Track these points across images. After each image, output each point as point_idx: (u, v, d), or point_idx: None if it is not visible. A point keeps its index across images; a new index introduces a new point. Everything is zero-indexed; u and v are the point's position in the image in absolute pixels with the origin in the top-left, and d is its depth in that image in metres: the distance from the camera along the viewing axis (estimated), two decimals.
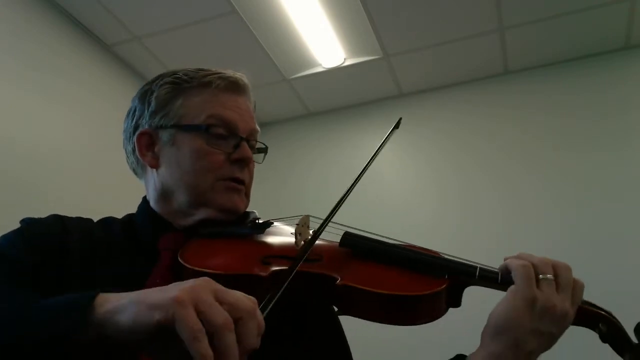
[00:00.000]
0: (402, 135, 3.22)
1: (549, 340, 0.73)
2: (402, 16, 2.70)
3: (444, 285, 0.75)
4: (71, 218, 0.91)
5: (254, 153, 0.98)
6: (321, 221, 0.80)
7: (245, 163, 0.93)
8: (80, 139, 2.57)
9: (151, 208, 0.95)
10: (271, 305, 0.60)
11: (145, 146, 0.95)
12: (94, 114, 2.65)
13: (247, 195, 0.96)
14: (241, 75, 0.98)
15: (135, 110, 0.98)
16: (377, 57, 3.00)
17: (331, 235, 0.86)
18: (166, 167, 0.93)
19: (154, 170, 0.95)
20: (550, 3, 2.62)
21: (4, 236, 0.84)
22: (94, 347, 0.55)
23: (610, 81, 2.87)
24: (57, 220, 0.89)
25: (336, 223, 0.85)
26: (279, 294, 0.61)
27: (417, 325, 0.75)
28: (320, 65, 3.09)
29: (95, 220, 0.96)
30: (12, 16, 2.38)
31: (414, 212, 2.97)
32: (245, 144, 0.94)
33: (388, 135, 1.01)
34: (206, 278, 0.56)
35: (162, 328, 0.52)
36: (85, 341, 0.54)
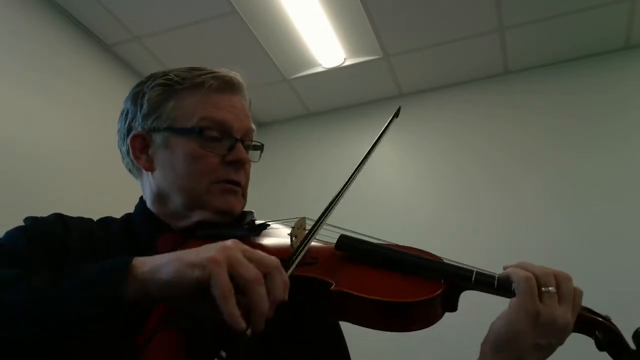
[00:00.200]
0: (402, 135, 3.24)
1: (548, 351, 0.72)
2: (402, 16, 2.70)
3: (440, 290, 0.74)
4: (72, 217, 0.92)
5: (251, 150, 0.98)
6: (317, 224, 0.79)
7: (240, 164, 0.92)
8: (80, 139, 2.57)
9: (148, 209, 0.95)
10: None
11: (139, 149, 0.94)
12: (94, 114, 2.65)
13: (244, 196, 0.96)
14: (235, 74, 0.97)
15: (127, 112, 0.97)
16: (377, 57, 3.00)
17: (330, 237, 0.85)
18: (161, 170, 0.93)
19: (149, 173, 0.94)
20: (550, 3, 2.62)
21: (7, 232, 0.84)
22: (135, 305, 0.60)
23: (610, 81, 2.87)
24: (58, 219, 0.89)
25: (332, 225, 0.84)
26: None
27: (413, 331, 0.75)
28: (320, 65, 3.09)
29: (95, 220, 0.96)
30: (12, 16, 2.38)
31: (414, 212, 2.97)
32: (239, 145, 0.93)
33: (388, 124, 0.98)
34: (235, 240, 0.62)
35: (201, 286, 0.57)
36: (129, 299, 0.59)
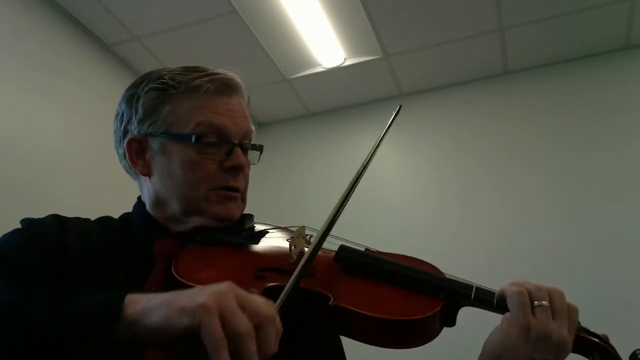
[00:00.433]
0: (402, 135, 3.24)
1: None
2: (402, 16, 2.70)
3: (439, 307, 0.73)
4: (70, 218, 0.91)
5: (250, 150, 0.96)
6: (316, 232, 0.77)
7: (239, 170, 0.91)
8: (80, 139, 2.57)
9: (147, 211, 0.95)
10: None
11: (135, 153, 0.93)
12: (94, 114, 2.64)
13: (243, 200, 0.95)
14: (232, 75, 0.95)
15: (123, 115, 0.95)
16: (377, 57, 3.00)
17: (330, 242, 0.84)
18: (158, 176, 0.92)
19: (147, 177, 0.93)
20: (550, 3, 2.62)
21: (4, 236, 0.84)
22: (124, 346, 0.58)
23: (610, 81, 2.87)
24: (56, 221, 0.88)
25: (333, 236, 0.83)
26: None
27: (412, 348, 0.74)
28: (320, 65, 3.09)
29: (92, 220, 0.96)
30: (12, 16, 2.38)
31: (414, 212, 2.97)
32: (238, 150, 0.91)
33: (391, 122, 0.95)
34: (229, 282, 0.59)
35: (189, 333, 0.55)
36: (117, 339, 0.57)
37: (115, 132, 0.98)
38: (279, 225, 0.98)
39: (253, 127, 0.96)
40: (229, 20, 2.71)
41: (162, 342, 0.57)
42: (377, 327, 0.72)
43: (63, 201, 2.31)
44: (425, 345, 0.74)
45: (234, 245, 0.87)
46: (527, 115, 2.99)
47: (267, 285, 0.73)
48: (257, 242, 0.88)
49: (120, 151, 0.97)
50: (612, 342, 0.77)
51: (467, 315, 0.80)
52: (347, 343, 0.94)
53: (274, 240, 0.91)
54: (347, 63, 3.06)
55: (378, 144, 0.90)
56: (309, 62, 3.07)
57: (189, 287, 0.73)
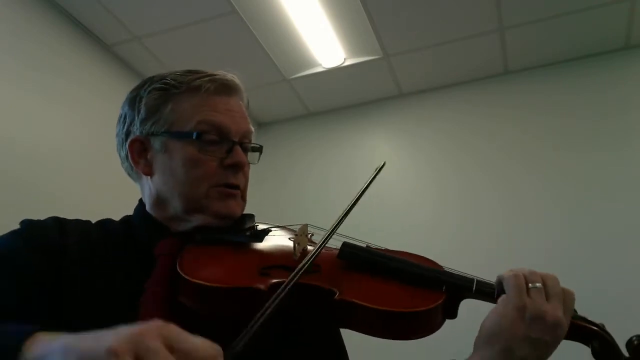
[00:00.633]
0: (402, 135, 3.24)
1: (542, 349, 0.72)
2: (402, 16, 2.70)
3: (441, 300, 0.76)
4: (70, 220, 0.91)
5: (249, 151, 0.97)
6: (319, 230, 0.80)
7: (239, 167, 0.92)
8: (80, 139, 2.57)
9: (147, 212, 0.95)
10: (262, 320, 0.59)
11: (137, 153, 0.94)
12: (94, 114, 2.65)
13: (244, 199, 0.95)
14: (232, 76, 0.97)
15: (125, 117, 0.97)
16: (377, 57, 3.00)
17: (333, 240, 0.85)
18: (160, 175, 0.92)
19: (148, 177, 0.94)
20: (550, 3, 2.62)
21: (2, 237, 0.84)
22: None
23: (610, 81, 2.87)
24: (55, 223, 0.88)
25: (337, 233, 0.84)
26: (272, 307, 0.61)
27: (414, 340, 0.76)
28: (320, 65, 3.09)
29: (93, 222, 0.95)
30: (12, 16, 2.38)
31: (414, 212, 2.97)
32: (238, 148, 0.93)
33: (373, 177, 0.98)
34: (161, 322, 0.48)
35: None
36: None
37: (117, 135, 0.99)
38: (280, 225, 0.98)
39: (252, 128, 0.98)
40: (229, 20, 2.71)
41: None
42: (381, 319, 0.74)
43: (63, 201, 2.31)
44: (428, 337, 0.76)
45: (236, 244, 0.88)
46: (527, 115, 2.99)
47: (272, 282, 0.74)
48: (260, 241, 0.89)
49: (123, 153, 0.97)
50: None
51: (468, 307, 0.82)
52: (349, 340, 0.95)
53: (277, 239, 0.92)
54: (347, 63, 3.06)
55: (360, 195, 0.93)
56: (309, 62, 3.07)
57: (194, 284, 0.73)
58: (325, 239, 0.79)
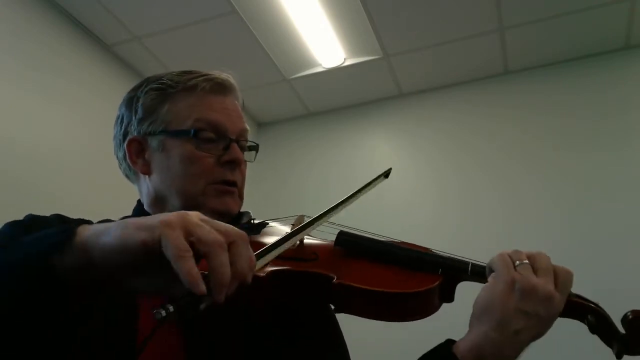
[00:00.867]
0: (402, 135, 3.24)
1: (537, 323, 0.73)
2: (402, 16, 2.70)
3: (438, 282, 0.77)
4: (72, 219, 0.91)
5: (246, 150, 0.99)
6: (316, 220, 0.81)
7: (236, 164, 0.93)
8: (80, 139, 2.58)
9: (145, 210, 0.96)
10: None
11: (135, 153, 0.95)
12: (94, 114, 2.65)
13: (241, 197, 0.96)
14: (227, 76, 0.98)
15: (122, 118, 0.98)
16: (377, 57, 3.00)
17: (330, 235, 0.87)
18: (157, 174, 0.93)
19: (146, 176, 0.95)
20: (550, 3, 2.62)
21: (4, 226, 0.84)
22: (82, 274, 0.53)
23: (610, 81, 2.87)
24: (59, 220, 0.89)
25: (332, 223, 0.86)
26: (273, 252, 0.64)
27: (412, 321, 0.77)
28: (320, 65, 3.09)
29: (94, 222, 0.96)
30: (12, 16, 2.39)
31: (414, 212, 2.97)
32: (235, 145, 0.94)
33: (375, 180, 1.02)
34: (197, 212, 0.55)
35: (149, 250, 0.50)
36: (71, 264, 0.52)
37: (115, 137, 1.00)
38: (278, 218, 1.00)
39: (248, 127, 0.99)
40: (229, 20, 2.71)
41: (118, 266, 0.51)
42: (379, 301, 0.75)
43: (63, 201, 2.31)
44: (427, 319, 0.77)
45: None
46: (527, 115, 2.99)
47: (270, 270, 0.75)
48: (257, 233, 0.90)
49: (120, 154, 0.98)
50: None
51: (466, 290, 0.83)
52: (348, 335, 0.95)
53: (274, 230, 0.93)
54: (347, 63, 3.06)
55: (358, 191, 0.98)
56: (309, 62, 3.07)
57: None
58: (321, 216, 0.81)
